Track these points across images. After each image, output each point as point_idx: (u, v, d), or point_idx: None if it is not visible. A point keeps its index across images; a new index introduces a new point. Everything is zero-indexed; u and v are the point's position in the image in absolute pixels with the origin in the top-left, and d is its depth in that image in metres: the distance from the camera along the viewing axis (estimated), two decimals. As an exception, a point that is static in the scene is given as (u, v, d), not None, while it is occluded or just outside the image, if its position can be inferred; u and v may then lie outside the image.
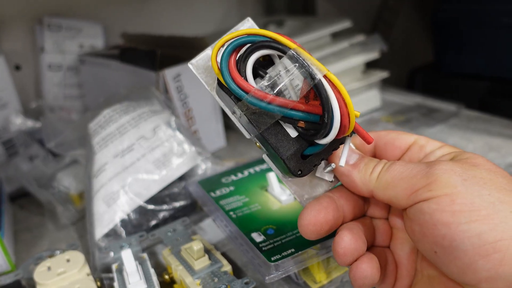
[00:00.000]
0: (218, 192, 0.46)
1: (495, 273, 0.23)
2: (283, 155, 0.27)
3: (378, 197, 0.28)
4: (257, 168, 0.50)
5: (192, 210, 0.51)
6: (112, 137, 0.49)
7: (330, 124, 0.25)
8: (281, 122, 0.27)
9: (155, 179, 0.49)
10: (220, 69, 0.27)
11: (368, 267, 0.28)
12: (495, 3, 0.78)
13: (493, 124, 0.65)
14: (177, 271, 0.39)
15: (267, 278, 0.34)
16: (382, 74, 0.72)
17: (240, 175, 0.49)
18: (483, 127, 0.64)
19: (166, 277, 0.41)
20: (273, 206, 0.43)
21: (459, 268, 0.24)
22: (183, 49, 0.67)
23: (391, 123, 0.61)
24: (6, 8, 0.76)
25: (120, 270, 0.40)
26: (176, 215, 0.49)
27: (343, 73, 0.71)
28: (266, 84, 0.26)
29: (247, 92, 0.26)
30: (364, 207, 0.31)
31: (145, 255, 0.42)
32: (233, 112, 0.28)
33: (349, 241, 0.28)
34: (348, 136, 0.28)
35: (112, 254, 0.43)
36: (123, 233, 0.46)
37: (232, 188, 0.46)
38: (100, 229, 0.46)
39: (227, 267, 0.39)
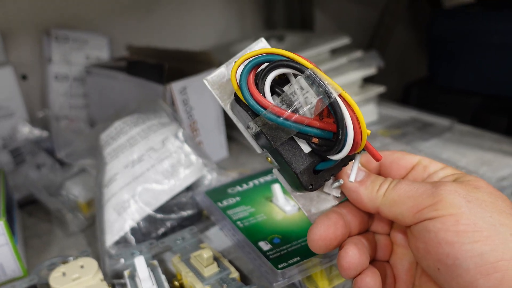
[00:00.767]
0: (225, 202, 0.48)
1: None
2: (296, 170, 0.29)
3: (384, 214, 0.29)
4: (262, 180, 0.52)
5: (198, 219, 0.53)
6: (123, 148, 0.52)
7: (344, 141, 0.27)
8: (295, 138, 0.29)
9: (164, 189, 0.51)
10: (240, 86, 0.29)
11: (371, 281, 0.29)
12: (486, 22, 0.81)
13: (484, 138, 0.68)
14: (187, 277, 0.41)
15: (275, 284, 0.37)
16: (379, 89, 0.75)
17: (245, 186, 0.51)
18: (475, 142, 0.67)
19: (176, 283, 0.43)
20: (278, 216, 0.45)
21: (461, 286, 0.26)
22: (188, 62, 0.70)
23: (387, 137, 0.63)
24: (15, 19, 0.78)
25: (132, 276, 0.42)
26: (183, 224, 0.51)
27: (342, 87, 0.73)
28: (283, 101, 0.28)
29: (265, 108, 0.28)
30: (368, 222, 0.33)
31: (155, 262, 0.44)
32: (248, 127, 0.30)
33: (353, 255, 0.29)
34: (358, 153, 0.30)
35: (122, 260, 0.45)
36: (133, 241, 0.48)
37: (238, 198, 0.49)
38: (111, 237, 0.48)
39: (235, 274, 0.41)
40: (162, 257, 0.49)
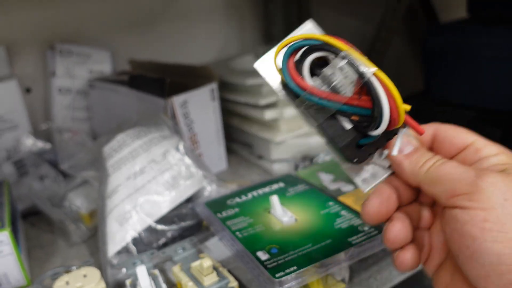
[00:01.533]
0: (224, 213, 0.49)
1: None
2: (339, 144, 0.31)
3: (423, 190, 0.30)
4: (260, 191, 0.53)
5: (198, 230, 0.54)
6: (125, 160, 0.53)
7: (380, 117, 0.29)
8: (337, 116, 0.31)
9: (165, 200, 0.52)
10: (281, 69, 0.31)
11: (411, 258, 0.31)
12: (479, 36, 0.83)
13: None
14: (187, 286, 0.42)
15: (272, 293, 0.38)
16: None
17: (244, 198, 0.52)
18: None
19: (176, 292, 0.44)
20: (276, 226, 0.47)
21: (474, 276, 0.27)
22: (188, 76, 0.71)
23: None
24: (19, 33, 0.80)
25: (134, 285, 0.43)
26: (183, 234, 0.52)
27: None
28: (322, 82, 0.30)
29: (304, 90, 0.30)
30: (416, 193, 0.34)
31: (156, 271, 0.45)
32: (296, 106, 0.32)
33: (399, 231, 0.31)
34: (402, 127, 0.31)
35: (124, 270, 0.46)
36: (135, 251, 0.49)
37: (237, 209, 0.50)
38: (113, 247, 0.49)
39: (234, 283, 0.42)
40: (163, 266, 0.50)
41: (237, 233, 0.46)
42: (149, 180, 0.52)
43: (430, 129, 0.33)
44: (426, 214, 0.34)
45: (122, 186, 0.52)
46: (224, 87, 0.75)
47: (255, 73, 0.74)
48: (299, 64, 0.31)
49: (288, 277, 0.39)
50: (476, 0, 0.86)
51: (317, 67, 0.31)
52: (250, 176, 0.69)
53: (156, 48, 0.94)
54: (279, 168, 0.70)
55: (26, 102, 0.78)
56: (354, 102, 0.30)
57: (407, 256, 0.31)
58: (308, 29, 0.34)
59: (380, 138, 0.31)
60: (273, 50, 0.33)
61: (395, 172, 0.33)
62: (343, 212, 0.47)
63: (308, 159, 0.63)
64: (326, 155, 0.64)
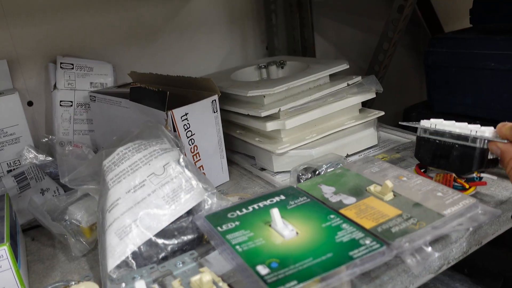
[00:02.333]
0: (224, 227, 0.49)
1: None
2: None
3: None
4: (261, 204, 0.53)
5: (198, 243, 0.54)
6: (125, 173, 0.53)
7: None
8: None
9: (165, 214, 0.52)
10: None
11: None
12: (481, 48, 0.82)
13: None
14: (187, 301, 0.42)
15: (272, 308, 0.37)
16: (379, 114, 0.76)
17: (244, 211, 0.52)
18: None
19: (176, 307, 0.43)
20: (276, 240, 0.46)
21: None
22: (190, 88, 0.71)
23: (386, 161, 0.64)
24: (21, 48, 0.80)
25: (133, 300, 0.42)
26: (184, 248, 0.52)
27: (342, 112, 0.75)
28: None
29: None
30: None
31: (156, 286, 0.44)
32: None
33: None
34: None
35: (123, 285, 0.46)
36: (134, 265, 0.49)
37: (237, 223, 0.49)
38: (112, 261, 0.49)
39: (234, 298, 0.41)
40: (163, 281, 0.49)
41: (237, 247, 0.45)
42: (149, 194, 0.52)
43: None
44: None
45: (122, 200, 0.51)
46: (226, 98, 0.75)
47: (255, 84, 0.74)
48: None
49: (287, 292, 0.38)
50: (478, 12, 0.86)
51: None
52: (252, 188, 0.69)
53: (158, 61, 0.94)
54: (282, 180, 0.69)
55: (27, 115, 0.78)
56: None
57: None
58: None
59: None
60: None
61: None
62: (344, 225, 0.46)
63: (310, 170, 0.63)
64: (329, 167, 0.63)
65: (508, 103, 0.79)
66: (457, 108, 0.87)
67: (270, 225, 0.48)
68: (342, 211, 0.50)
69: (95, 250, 0.58)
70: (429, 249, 0.44)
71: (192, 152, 0.67)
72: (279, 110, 0.69)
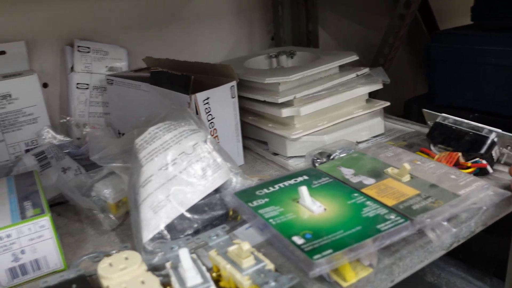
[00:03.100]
0: (255, 203, 0.52)
1: None
2: None
3: None
4: (286, 183, 0.56)
5: (225, 219, 0.57)
6: (157, 151, 0.55)
7: None
8: None
9: (195, 191, 0.54)
10: None
11: None
12: (483, 44, 0.87)
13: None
14: (226, 269, 0.45)
15: (311, 273, 0.41)
16: (385, 104, 0.80)
17: (271, 189, 0.55)
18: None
19: (214, 275, 0.47)
20: (305, 215, 0.49)
21: None
22: (206, 74, 0.74)
23: (398, 147, 0.68)
24: (38, 30, 0.82)
25: (175, 267, 0.45)
26: (213, 223, 0.55)
27: (350, 101, 0.78)
28: None
29: None
30: None
31: (194, 255, 0.47)
32: None
33: None
34: None
35: (158, 256, 0.49)
36: (168, 237, 0.52)
37: (267, 199, 0.53)
38: (147, 233, 0.52)
39: (271, 266, 0.44)
40: (196, 253, 0.52)
41: (271, 220, 0.48)
42: (181, 171, 0.55)
43: None
44: None
45: (155, 176, 0.54)
46: (239, 85, 0.78)
47: (270, 72, 0.77)
48: None
49: (325, 259, 0.42)
50: (479, 9, 0.90)
51: None
52: (267, 171, 0.72)
53: (168, 47, 0.97)
54: (295, 164, 0.72)
55: (43, 96, 0.80)
56: None
57: None
58: None
59: None
60: None
61: None
62: (368, 203, 0.50)
63: (325, 155, 0.66)
64: (342, 152, 0.67)
65: (508, 97, 0.84)
66: (457, 101, 0.92)
67: (298, 202, 0.52)
68: (364, 190, 0.53)
69: (122, 225, 0.61)
70: (447, 224, 0.48)
71: (211, 135, 0.69)
72: (294, 97, 0.72)
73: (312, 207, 0.50)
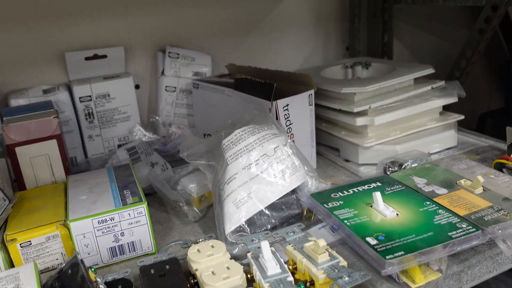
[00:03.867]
0: (330, 204, 0.56)
1: None
2: None
3: None
4: (360, 188, 0.59)
5: (299, 219, 0.61)
6: (242, 152, 0.60)
7: None
8: None
9: (274, 190, 0.59)
10: None
11: None
12: None
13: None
14: (302, 262, 0.49)
15: (383, 271, 0.44)
16: (458, 117, 0.81)
17: (346, 193, 0.59)
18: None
19: (290, 267, 0.51)
20: (378, 219, 0.52)
21: None
22: (285, 82, 0.78)
23: (471, 160, 0.69)
24: (135, 37, 0.90)
25: (256, 257, 0.50)
26: (289, 220, 0.59)
27: (424, 113, 0.80)
28: None
29: None
30: None
31: (273, 248, 0.52)
32: None
33: None
34: None
35: (239, 247, 0.54)
36: (248, 231, 0.57)
37: (341, 202, 0.56)
38: (229, 226, 0.57)
39: (344, 263, 0.48)
40: (273, 247, 0.57)
41: (346, 221, 0.52)
42: (262, 171, 0.60)
43: None
44: None
45: (239, 175, 0.59)
46: (316, 93, 0.82)
47: (346, 82, 0.80)
48: None
49: (396, 260, 0.45)
50: None
51: None
52: (339, 176, 0.76)
53: (246, 54, 1.02)
54: (366, 171, 0.75)
55: (135, 97, 0.88)
56: None
57: None
58: None
59: None
60: None
61: None
62: (440, 211, 0.52)
63: (397, 164, 0.69)
64: (414, 163, 0.69)
65: None
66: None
67: (371, 206, 0.55)
68: (436, 199, 0.56)
69: (204, 217, 0.66)
70: (519, 237, 0.49)
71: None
72: (369, 107, 0.75)
73: (385, 211, 0.53)
